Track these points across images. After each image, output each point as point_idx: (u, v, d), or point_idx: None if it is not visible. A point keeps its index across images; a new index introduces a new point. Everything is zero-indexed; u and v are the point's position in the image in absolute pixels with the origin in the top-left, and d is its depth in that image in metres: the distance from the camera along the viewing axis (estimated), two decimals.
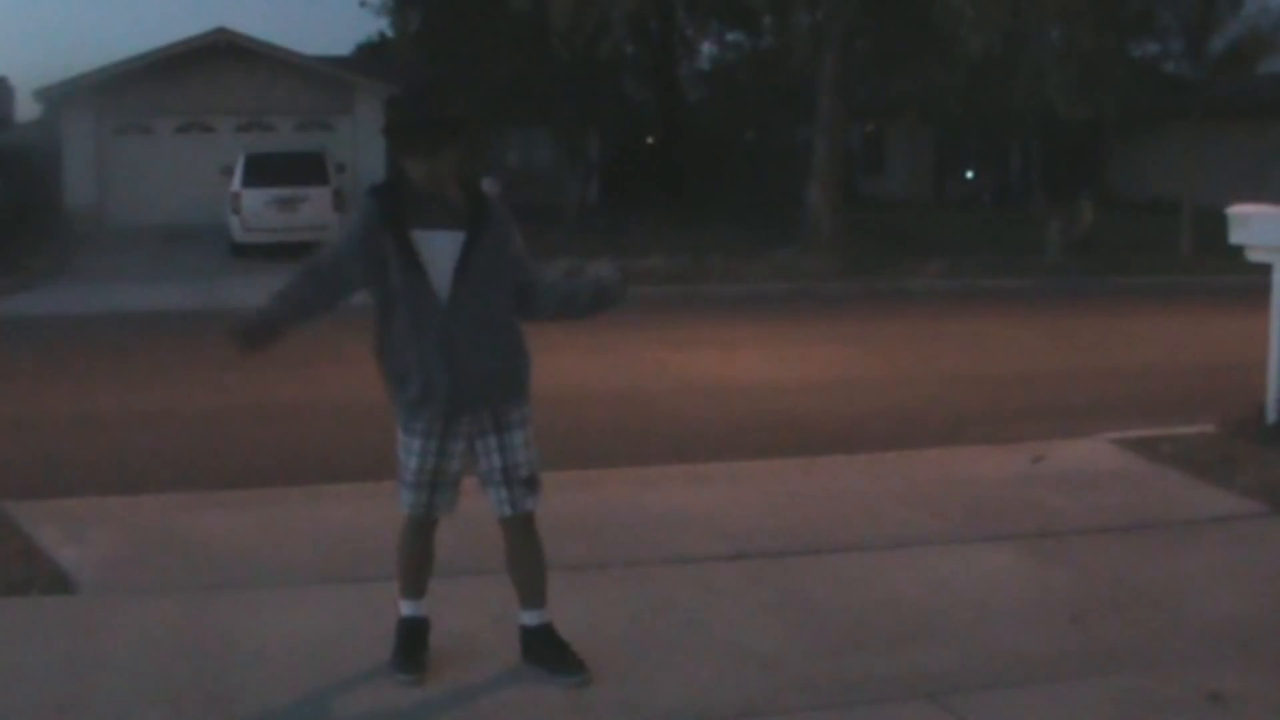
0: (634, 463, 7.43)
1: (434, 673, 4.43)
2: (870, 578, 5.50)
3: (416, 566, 4.45)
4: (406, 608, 4.49)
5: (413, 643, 4.45)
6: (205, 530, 6.05)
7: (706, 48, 35.49)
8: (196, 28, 35.70)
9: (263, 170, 22.12)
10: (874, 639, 4.79)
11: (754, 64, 31.66)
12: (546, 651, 4.41)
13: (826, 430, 8.82)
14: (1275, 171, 24.47)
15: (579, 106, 27.59)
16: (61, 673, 4.45)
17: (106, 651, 4.63)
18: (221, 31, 26.45)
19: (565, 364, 10.19)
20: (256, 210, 21.71)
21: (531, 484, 4.35)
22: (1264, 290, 8.14)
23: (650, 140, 35.61)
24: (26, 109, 35.20)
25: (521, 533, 4.38)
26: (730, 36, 34.13)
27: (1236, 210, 8.17)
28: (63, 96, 26.08)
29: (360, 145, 27.03)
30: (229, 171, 22.77)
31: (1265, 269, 8.03)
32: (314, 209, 21.96)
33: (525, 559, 4.41)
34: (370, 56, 34.23)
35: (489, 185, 18.01)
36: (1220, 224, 8.30)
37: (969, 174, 36.06)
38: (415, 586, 4.47)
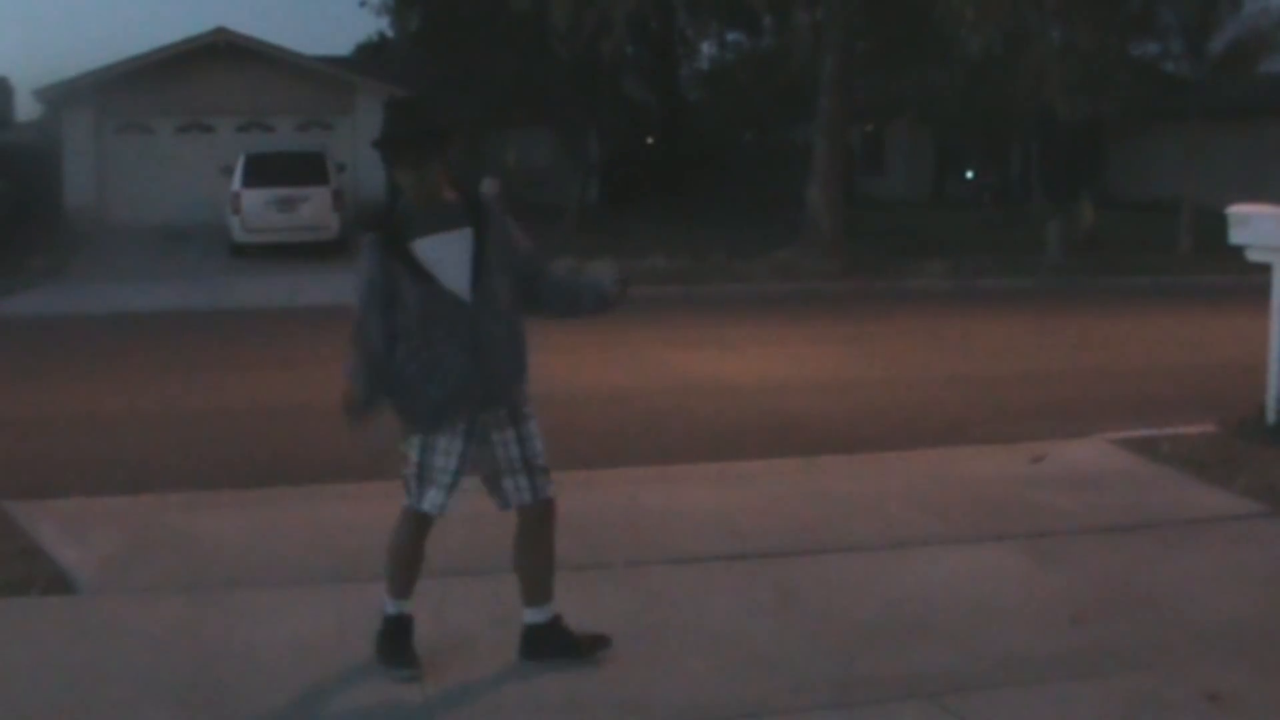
0: (634, 463, 7.43)
1: (434, 672, 4.44)
2: (870, 578, 5.50)
3: (411, 565, 4.48)
4: (393, 607, 4.51)
5: (404, 639, 4.48)
6: (205, 530, 6.05)
7: (706, 48, 35.50)
8: (196, 28, 35.77)
9: (263, 170, 22.12)
10: (874, 639, 4.79)
11: (754, 64, 31.65)
12: (557, 645, 4.47)
13: (826, 430, 8.82)
14: (1275, 171, 24.48)
15: (579, 106, 27.58)
16: (61, 672, 4.45)
17: (106, 651, 4.64)
18: (221, 31, 26.43)
19: (565, 363, 10.19)
20: (256, 210, 21.70)
21: (547, 472, 4.43)
22: (1264, 290, 8.14)
23: (650, 140, 35.61)
24: (26, 109, 35.20)
25: (540, 521, 4.45)
26: (730, 36, 34.13)
27: (1236, 210, 8.17)
28: (63, 96, 26.06)
29: (360, 145, 26.93)
30: (229, 171, 22.76)
31: (1265, 269, 8.03)
32: (314, 209, 21.97)
33: (538, 549, 4.46)
34: (370, 56, 34.19)
35: (488, 185, 18.08)
36: (1220, 224, 8.30)
37: (969, 174, 36.04)
38: (407, 586, 4.50)
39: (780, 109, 30.74)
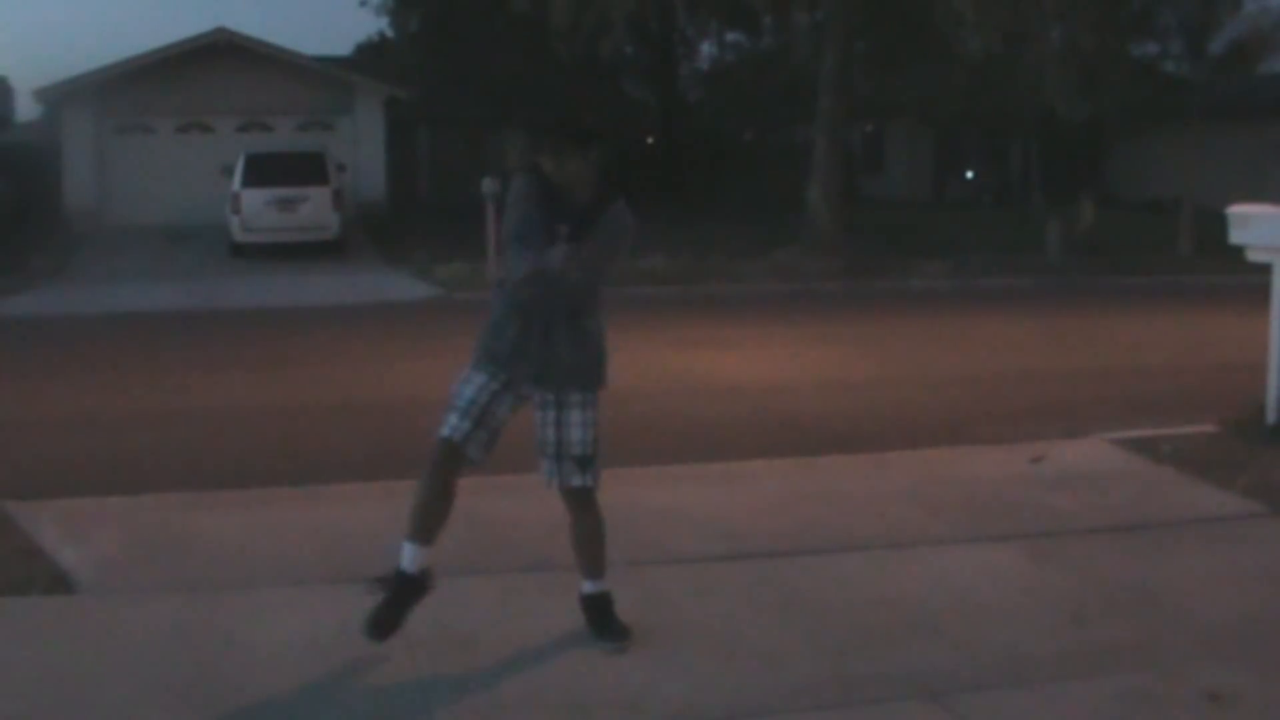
0: (634, 463, 7.43)
1: (434, 672, 4.44)
2: (870, 577, 5.50)
3: (432, 502, 4.49)
4: (408, 557, 4.49)
5: (398, 602, 4.47)
6: (205, 530, 6.05)
7: (706, 48, 35.56)
8: (196, 28, 35.75)
9: (263, 170, 22.11)
10: (874, 639, 4.79)
11: (754, 64, 31.68)
12: (594, 617, 4.72)
13: (826, 430, 8.82)
14: (1275, 171, 24.49)
15: (579, 106, 27.58)
16: (61, 673, 4.45)
17: (106, 651, 4.64)
18: (221, 31, 26.43)
19: None
20: (256, 210, 21.70)
21: (583, 463, 4.65)
22: (1264, 290, 8.14)
23: (650, 140, 35.63)
24: (26, 109, 35.18)
25: (571, 506, 4.71)
26: (730, 36, 34.18)
27: (1236, 210, 8.16)
28: (63, 96, 26.06)
29: (360, 145, 27.03)
30: (229, 171, 22.76)
31: (1265, 269, 8.03)
32: (314, 209, 21.97)
33: (579, 533, 4.73)
34: (370, 56, 34.19)
35: (488, 185, 18.06)
36: (1220, 224, 8.29)
37: (969, 174, 36.03)
38: (425, 528, 4.49)
39: (780, 109, 30.76)
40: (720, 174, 32.68)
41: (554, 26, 22.02)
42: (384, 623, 4.44)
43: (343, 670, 4.48)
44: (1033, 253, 21.30)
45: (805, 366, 11.85)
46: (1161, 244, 22.41)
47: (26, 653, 4.65)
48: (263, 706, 4.25)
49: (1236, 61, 23.41)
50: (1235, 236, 8.14)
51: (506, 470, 5.52)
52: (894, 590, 5.32)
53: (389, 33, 34.18)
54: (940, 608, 5.11)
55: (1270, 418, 7.95)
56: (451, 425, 4.49)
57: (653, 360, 11.65)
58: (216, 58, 26.25)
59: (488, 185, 18.01)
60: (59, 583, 5.32)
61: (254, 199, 21.73)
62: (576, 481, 4.64)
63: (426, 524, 4.50)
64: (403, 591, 4.48)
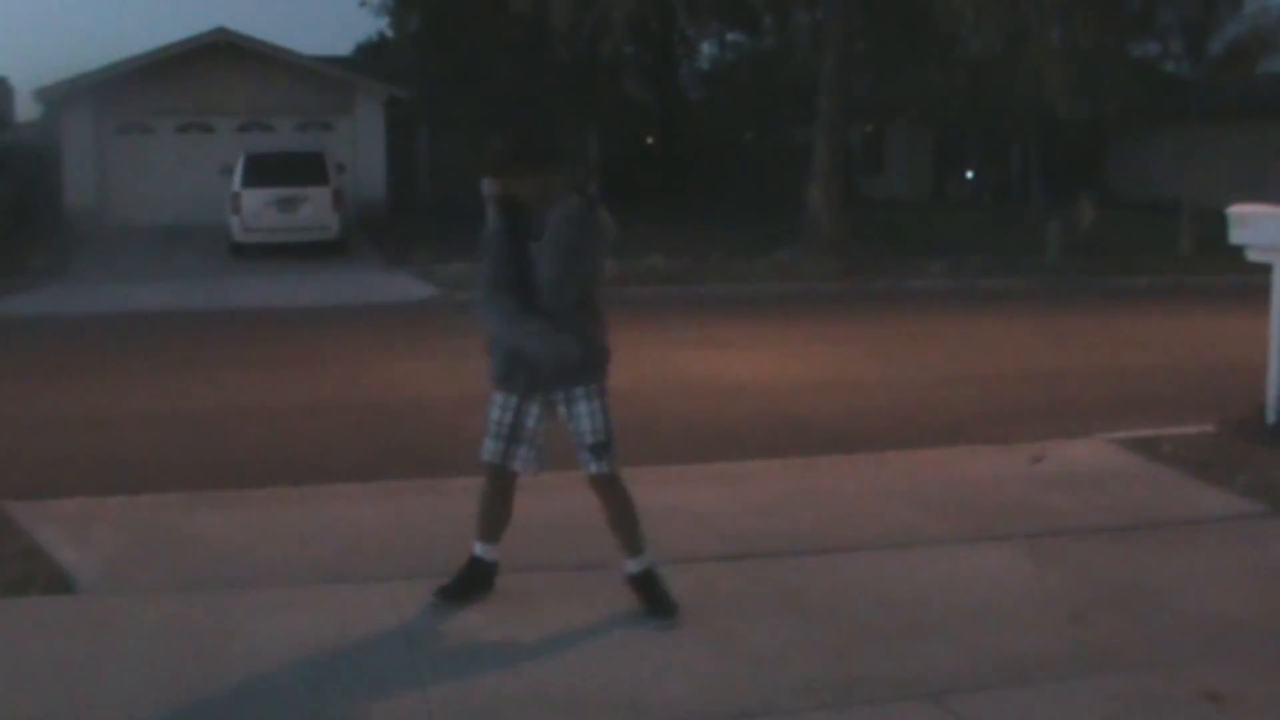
0: (634, 463, 7.42)
1: (434, 671, 4.44)
2: (870, 578, 5.50)
3: (490, 512, 5.02)
4: (478, 548, 5.05)
5: (470, 579, 5.01)
6: (205, 530, 6.05)
7: (706, 48, 35.53)
8: (196, 28, 35.63)
9: (263, 170, 22.10)
10: (874, 639, 4.79)
11: (754, 64, 31.67)
12: (642, 595, 4.94)
13: (826, 430, 8.82)
14: (1275, 171, 24.48)
15: (579, 106, 27.59)
16: (61, 673, 4.46)
17: (107, 651, 4.64)
18: (221, 31, 26.42)
19: None
20: (256, 210, 21.69)
21: (598, 450, 4.86)
22: (1264, 290, 8.14)
23: (650, 140, 35.62)
24: (26, 109, 35.13)
25: (597, 491, 4.96)
26: (730, 36, 34.16)
27: (1236, 210, 8.17)
28: (63, 96, 26.04)
29: (360, 145, 27.03)
30: (229, 171, 22.76)
31: (1265, 269, 8.03)
32: (314, 209, 21.95)
33: (610, 517, 4.98)
34: (370, 56, 34.16)
35: (488, 186, 18.04)
36: (1220, 224, 8.30)
37: (969, 174, 36.04)
38: (488, 530, 5.04)
39: (780, 109, 30.72)
40: (720, 174, 32.65)
41: (554, 26, 22.00)
42: (452, 591, 4.97)
43: (342, 670, 4.48)
44: (1033, 253, 21.28)
45: (805, 366, 11.86)
46: (1161, 244, 22.39)
47: (26, 653, 4.65)
48: (262, 706, 4.25)
49: (1236, 61, 23.39)
50: (1235, 236, 8.14)
51: None
52: (894, 590, 5.33)
53: (389, 33, 34.13)
54: (940, 608, 5.11)
55: (1270, 418, 7.96)
56: (488, 449, 4.94)
57: (653, 360, 11.65)
58: (216, 58, 26.24)
59: (487, 185, 17.98)
60: (59, 582, 5.32)
61: (254, 199, 21.72)
62: (594, 469, 4.90)
63: (490, 526, 5.04)
64: (474, 570, 5.02)
